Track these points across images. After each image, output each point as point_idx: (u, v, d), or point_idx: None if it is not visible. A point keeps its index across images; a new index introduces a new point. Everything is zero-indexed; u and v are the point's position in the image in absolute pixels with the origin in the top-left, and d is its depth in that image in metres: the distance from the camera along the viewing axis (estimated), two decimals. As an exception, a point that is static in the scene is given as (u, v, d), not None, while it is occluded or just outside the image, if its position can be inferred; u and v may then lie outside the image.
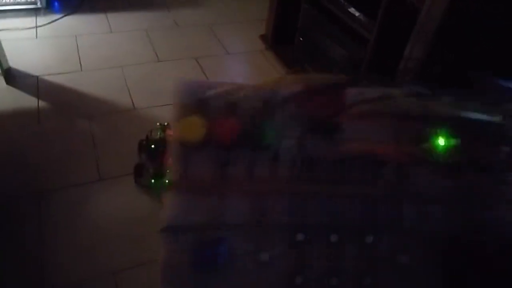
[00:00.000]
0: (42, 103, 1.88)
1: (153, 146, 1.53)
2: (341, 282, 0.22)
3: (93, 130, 1.76)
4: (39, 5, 2.63)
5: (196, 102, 0.25)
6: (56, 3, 2.75)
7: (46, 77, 2.05)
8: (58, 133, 1.73)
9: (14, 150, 1.63)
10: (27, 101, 1.88)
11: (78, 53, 2.27)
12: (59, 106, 1.89)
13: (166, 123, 1.62)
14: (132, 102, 1.96)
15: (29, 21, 2.53)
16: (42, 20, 2.56)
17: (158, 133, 1.57)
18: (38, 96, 1.92)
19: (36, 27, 2.48)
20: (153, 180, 1.50)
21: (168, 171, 1.51)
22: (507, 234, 0.24)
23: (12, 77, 2.01)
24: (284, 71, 2.33)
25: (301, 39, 2.20)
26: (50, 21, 2.56)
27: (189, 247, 0.24)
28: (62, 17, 2.62)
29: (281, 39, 2.43)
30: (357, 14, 1.72)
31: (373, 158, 0.26)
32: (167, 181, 1.51)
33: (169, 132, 1.59)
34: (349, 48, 1.82)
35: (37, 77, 2.04)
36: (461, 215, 0.24)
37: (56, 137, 1.71)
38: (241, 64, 2.42)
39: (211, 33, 2.67)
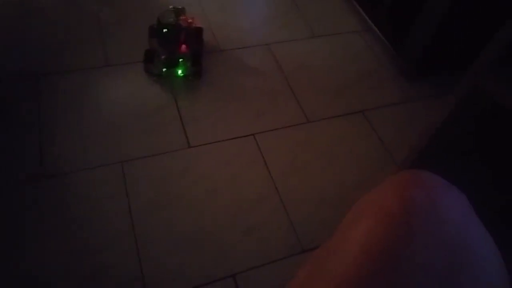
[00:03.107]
0: (42, -21, 1.68)
1: (165, 30, 1.37)
2: None
3: (100, 12, 1.59)
4: None
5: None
6: None
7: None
8: (60, 13, 1.56)
9: (11, 27, 1.48)
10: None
11: None
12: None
13: (180, 7, 1.43)
14: (142, -15, 1.74)
15: None
16: None
17: (171, 17, 1.40)
18: (37, -29, 1.71)
19: None
20: (164, 69, 1.37)
21: (181, 59, 1.37)
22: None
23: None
24: None
25: None
26: None
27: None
28: None
29: None
30: None
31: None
32: (179, 70, 1.38)
33: (183, 17, 1.42)
34: None
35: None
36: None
37: (58, 17, 1.55)
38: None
39: None
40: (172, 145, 1.24)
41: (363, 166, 1.27)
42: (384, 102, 1.45)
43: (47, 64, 1.39)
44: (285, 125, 1.33)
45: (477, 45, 0.94)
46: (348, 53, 1.61)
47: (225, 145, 1.26)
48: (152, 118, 1.29)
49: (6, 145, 1.17)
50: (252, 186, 1.18)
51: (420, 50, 1.45)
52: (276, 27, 1.67)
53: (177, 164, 1.20)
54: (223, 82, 1.43)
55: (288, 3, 1.78)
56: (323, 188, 1.20)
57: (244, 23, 1.66)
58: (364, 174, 1.24)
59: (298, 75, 1.49)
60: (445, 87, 1.46)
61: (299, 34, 1.65)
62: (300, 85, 1.46)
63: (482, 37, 0.96)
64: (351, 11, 1.78)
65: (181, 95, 1.37)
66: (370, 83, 1.51)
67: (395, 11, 1.63)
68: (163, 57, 1.36)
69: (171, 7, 1.43)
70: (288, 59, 1.54)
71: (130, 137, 1.24)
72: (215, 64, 1.48)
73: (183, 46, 1.37)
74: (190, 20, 1.43)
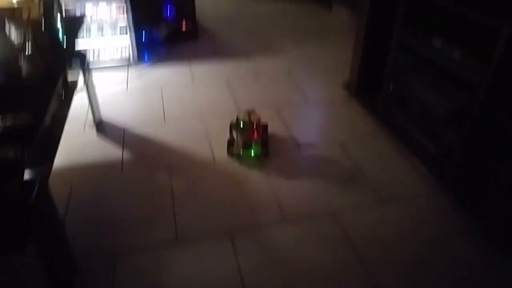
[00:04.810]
0: (126, 154, 1.92)
1: (242, 124, 1.84)
2: None
3: (173, 184, 1.72)
4: (131, 61, 2.83)
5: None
6: (146, 55, 2.94)
7: (132, 129, 2.11)
8: (138, 185, 1.72)
9: (96, 200, 1.64)
10: (113, 151, 1.93)
11: (163, 105, 2.33)
12: (142, 158, 1.90)
13: (251, 109, 1.89)
14: (213, 154, 1.91)
15: (122, 75, 2.70)
16: (133, 72, 2.73)
17: (246, 115, 1.85)
18: (123, 147, 1.96)
19: (127, 80, 2.64)
20: (241, 150, 1.86)
21: (253, 143, 1.84)
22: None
23: (103, 128, 2.11)
24: (370, 120, 2.14)
25: (390, 87, 2.02)
26: (140, 73, 2.72)
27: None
28: (151, 68, 2.78)
29: (367, 87, 2.26)
30: (462, 57, 1.50)
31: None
32: (252, 151, 1.86)
33: (254, 115, 1.87)
34: (450, 96, 1.59)
35: (124, 129, 2.11)
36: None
37: (136, 189, 1.70)
38: (323, 114, 2.28)
39: (290, 82, 2.60)
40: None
41: None
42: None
43: (124, 240, 1.46)
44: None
45: None
46: (419, 219, 1.53)
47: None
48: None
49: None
50: None
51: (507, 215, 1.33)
52: (340, 191, 1.67)
53: None
54: (293, 256, 1.39)
55: (350, 166, 1.82)
56: None
57: (307, 190, 1.69)
58: None
59: (369, 248, 1.41)
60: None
61: (365, 198, 1.63)
62: (373, 260, 1.37)
63: None
64: (416, 172, 1.76)
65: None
66: (450, 257, 1.38)
67: (468, 169, 1.56)
68: (241, 142, 1.85)
69: (245, 110, 1.88)
70: (357, 228, 1.49)
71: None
72: (286, 234, 1.47)
73: (255, 133, 1.84)
74: (258, 117, 1.87)
